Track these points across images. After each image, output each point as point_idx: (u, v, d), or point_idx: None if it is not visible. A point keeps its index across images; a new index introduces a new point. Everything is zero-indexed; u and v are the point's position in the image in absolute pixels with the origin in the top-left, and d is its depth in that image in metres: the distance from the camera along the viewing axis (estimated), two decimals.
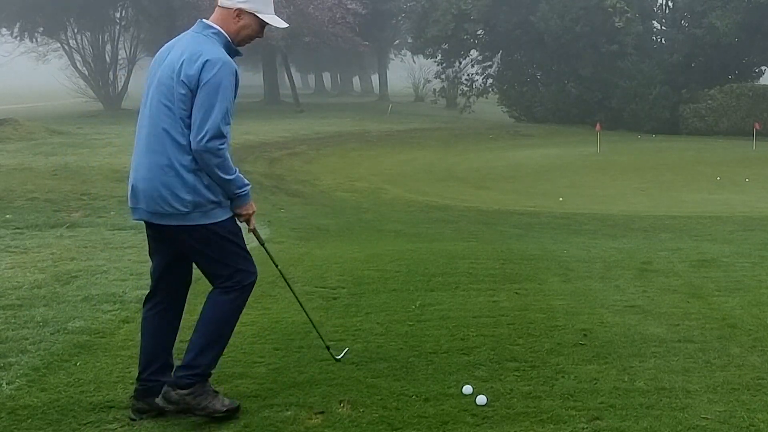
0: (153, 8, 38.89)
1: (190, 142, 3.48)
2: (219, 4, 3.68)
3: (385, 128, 30.69)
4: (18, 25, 40.50)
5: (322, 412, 3.72)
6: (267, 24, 3.73)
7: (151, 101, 3.58)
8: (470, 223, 12.02)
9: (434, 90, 43.28)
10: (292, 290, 4.35)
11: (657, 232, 10.96)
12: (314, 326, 4.40)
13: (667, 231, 11.05)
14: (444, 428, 3.57)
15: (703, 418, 3.63)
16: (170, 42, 3.74)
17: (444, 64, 40.59)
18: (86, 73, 40.71)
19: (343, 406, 3.79)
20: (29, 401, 3.87)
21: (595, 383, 4.08)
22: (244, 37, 3.71)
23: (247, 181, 3.67)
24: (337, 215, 12.89)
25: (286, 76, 44.29)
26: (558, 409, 3.74)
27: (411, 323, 5.23)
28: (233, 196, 3.62)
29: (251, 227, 3.79)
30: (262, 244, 3.99)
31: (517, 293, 6.11)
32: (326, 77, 67.17)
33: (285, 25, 3.86)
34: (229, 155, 3.56)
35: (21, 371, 4.25)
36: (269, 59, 42.67)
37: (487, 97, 40.39)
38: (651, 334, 4.95)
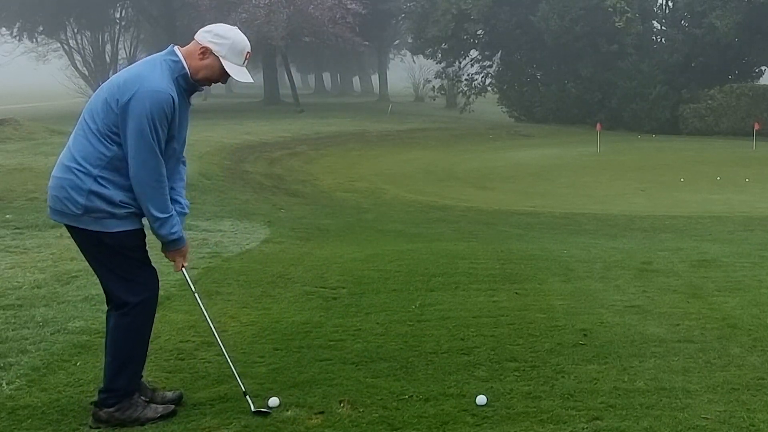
0: (153, 8, 38.93)
1: (106, 152, 3.44)
2: (195, 36, 3.63)
3: (385, 128, 30.67)
4: (18, 25, 40.54)
5: (322, 412, 3.72)
6: (230, 75, 3.62)
7: (92, 104, 3.56)
8: (470, 223, 12.02)
9: (433, 87, 43.24)
10: (206, 316, 4.00)
11: (657, 232, 10.96)
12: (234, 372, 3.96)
13: (667, 231, 11.05)
14: (444, 428, 3.57)
15: (703, 418, 3.63)
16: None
17: (444, 64, 40.58)
18: (86, 73, 40.74)
19: (343, 406, 3.79)
20: (29, 401, 3.86)
21: (595, 383, 4.08)
22: (203, 78, 3.61)
23: (175, 230, 3.60)
24: (337, 215, 12.89)
25: (286, 76, 44.30)
26: (558, 409, 3.74)
27: (411, 323, 5.23)
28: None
29: (176, 269, 3.75)
30: (191, 286, 3.92)
31: (517, 293, 6.11)
32: (326, 77, 67.16)
33: (250, 80, 3.73)
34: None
35: (21, 371, 4.25)
36: (269, 59, 42.65)
37: (485, 96, 40.36)
38: (651, 334, 4.95)
